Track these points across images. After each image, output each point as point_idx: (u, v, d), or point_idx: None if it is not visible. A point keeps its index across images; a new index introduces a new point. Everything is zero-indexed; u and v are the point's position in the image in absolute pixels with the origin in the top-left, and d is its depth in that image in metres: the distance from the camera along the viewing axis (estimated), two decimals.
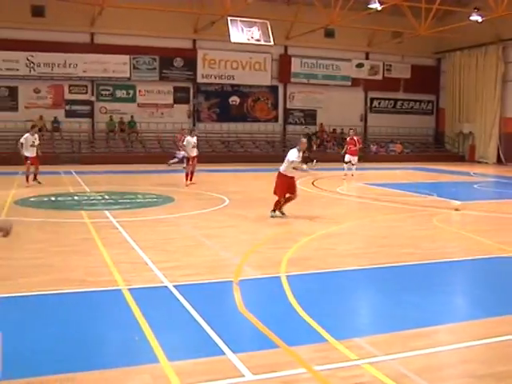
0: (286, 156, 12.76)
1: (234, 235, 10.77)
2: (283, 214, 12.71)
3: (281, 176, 12.64)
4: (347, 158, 23.19)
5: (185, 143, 19.57)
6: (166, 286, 7.11)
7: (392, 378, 4.63)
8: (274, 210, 12.72)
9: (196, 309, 6.19)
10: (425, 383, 4.57)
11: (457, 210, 13.77)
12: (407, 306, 6.66)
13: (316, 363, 4.87)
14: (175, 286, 7.05)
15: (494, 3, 25.75)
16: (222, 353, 5.06)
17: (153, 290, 7.03)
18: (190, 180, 19.31)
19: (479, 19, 28.47)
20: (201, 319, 5.88)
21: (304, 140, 13.08)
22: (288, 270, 8.02)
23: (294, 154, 12.43)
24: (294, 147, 12.83)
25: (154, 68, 33.39)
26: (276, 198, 12.77)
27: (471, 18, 28.71)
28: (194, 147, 19.35)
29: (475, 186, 21.92)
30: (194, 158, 19.36)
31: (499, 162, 35.33)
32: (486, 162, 35.69)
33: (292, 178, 12.69)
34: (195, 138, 19.74)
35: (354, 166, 23.22)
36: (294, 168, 12.51)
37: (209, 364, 4.85)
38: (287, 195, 12.66)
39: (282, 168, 12.64)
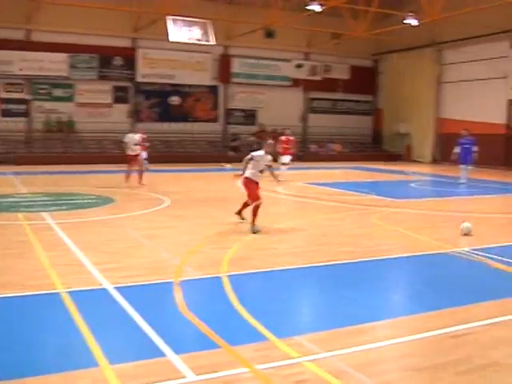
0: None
1: (174, 236, 10.71)
2: (243, 219, 11.91)
3: (250, 181, 11.46)
4: (282, 158, 22.42)
5: (125, 139, 19.11)
6: (105, 288, 7.01)
7: (333, 374, 4.70)
8: (252, 222, 11.24)
9: (137, 310, 6.13)
10: (364, 378, 4.66)
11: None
12: (347, 303, 6.76)
13: (257, 362, 4.89)
14: (115, 288, 6.96)
15: (429, 7, 26.42)
16: (164, 354, 5.03)
17: (92, 293, 6.91)
18: (139, 181, 18.80)
19: (415, 22, 29.14)
20: (142, 321, 5.83)
21: (271, 142, 12.19)
22: (229, 269, 8.03)
23: (259, 153, 11.52)
24: (258, 149, 11.81)
25: (92, 67, 32.77)
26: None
27: (406, 21, 29.34)
28: (136, 145, 18.93)
29: (412, 184, 22.46)
30: (135, 156, 18.96)
31: (435, 161, 36.28)
32: (422, 162, 36.59)
33: (257, 183, 11.64)
34: (139, 135, 19.39)
35: (286, 166, 22.36)
36: (261, 172, 11.53)
37: (150, 366, 4.81)
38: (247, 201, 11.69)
39: (248, 173, 11.44)
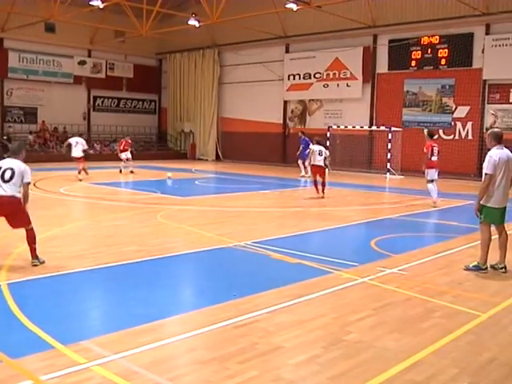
0: None
1: None
2: None
3: None
4: None
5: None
6: None
7: (122, 376, 4.69)
8: None
9: None
10: (155, 377, 4.71)
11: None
12: (135, 303, 6.77)
13: (43, 372, 4.71)
14: None
15: (210, 10, 27.26)
16: None
17: None
18: None
19: (197, 24, 29.91)
20: None
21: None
22: (9, 277, 7.60)
23: None
24: None
25: None
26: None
27: (189, 22, 30.03)
28: None
29: (196, 182, 23.01)
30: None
31: (218, 158, 37.55)
32: (206, 159, 37.67)
33: None
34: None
35: None
36: None
37: None
38: None
39: None
